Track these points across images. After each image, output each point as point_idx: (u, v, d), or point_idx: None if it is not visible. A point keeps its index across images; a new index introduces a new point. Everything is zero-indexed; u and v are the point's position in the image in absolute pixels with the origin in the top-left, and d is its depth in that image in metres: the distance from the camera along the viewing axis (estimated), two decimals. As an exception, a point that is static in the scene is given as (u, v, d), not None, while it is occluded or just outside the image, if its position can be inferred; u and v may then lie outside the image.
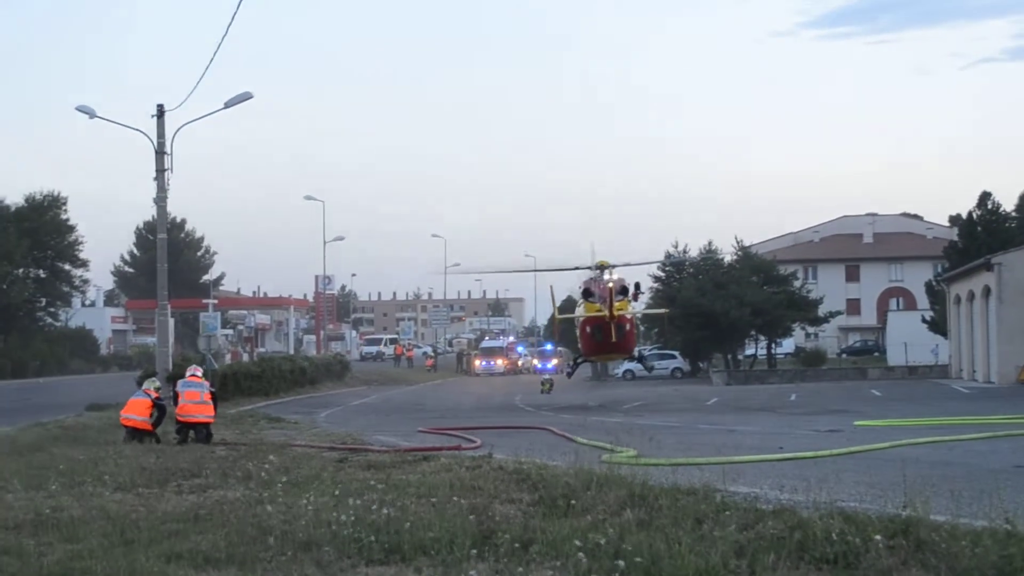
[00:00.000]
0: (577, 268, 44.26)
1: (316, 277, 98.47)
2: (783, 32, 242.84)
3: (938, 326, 66.42)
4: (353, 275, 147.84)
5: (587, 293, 40.99)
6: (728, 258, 77.18)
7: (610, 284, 38.91)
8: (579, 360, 41.97)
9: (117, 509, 12.81)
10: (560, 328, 52.28)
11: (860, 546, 9.00)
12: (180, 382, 24.94)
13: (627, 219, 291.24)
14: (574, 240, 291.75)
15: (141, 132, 38.59)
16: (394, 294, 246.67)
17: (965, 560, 8.50)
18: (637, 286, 44.38)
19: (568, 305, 68.51)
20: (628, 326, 41.18)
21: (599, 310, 39.71)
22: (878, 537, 9.17)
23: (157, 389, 24.89)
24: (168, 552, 9.97)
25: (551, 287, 48.04)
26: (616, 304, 39.03)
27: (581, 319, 41.65)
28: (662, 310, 59.98)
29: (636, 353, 41.71)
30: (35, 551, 10.22)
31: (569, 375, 40.89)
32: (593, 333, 40.38)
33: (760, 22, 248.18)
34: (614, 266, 41.39)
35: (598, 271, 41.39)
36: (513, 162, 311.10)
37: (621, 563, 8.65)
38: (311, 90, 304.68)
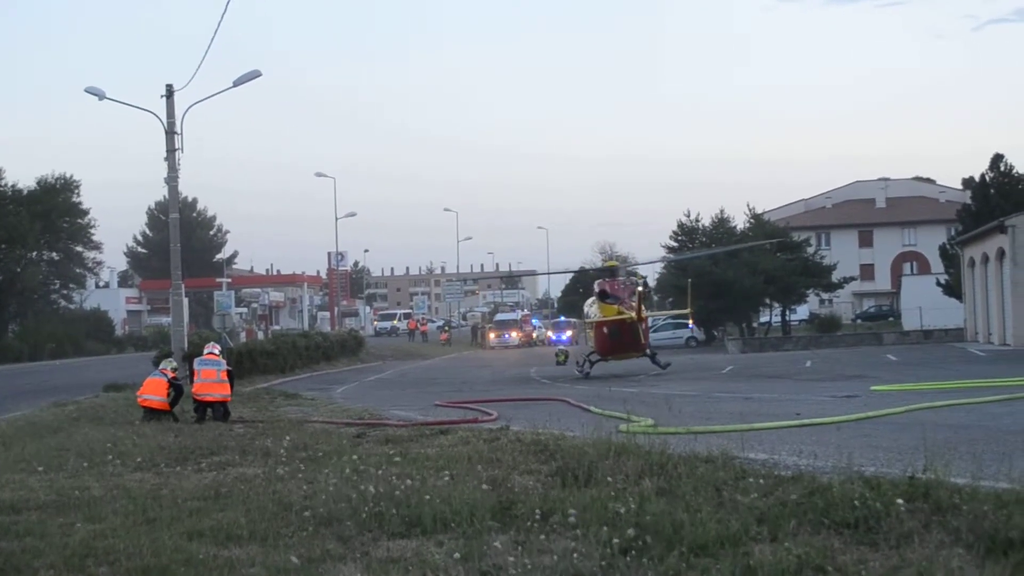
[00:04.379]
0: (584, 269, 44.76)
1: (329, 254, 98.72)
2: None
3: (953, 290, 66.23)
4: (366, 251, 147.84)
5: (603, 295, 41.24)
6: (740, 226, 77.05)
7: (639, 287, 39.74)
8: (594, 359, 41.83)
9: (138, 488, 12.86)
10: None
11: (881, 510, 8.99)
12: (196, 360, 24.92)
13: (637, 186, 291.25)
14: (585, 209, 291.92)
15: (151, 113, 38.60)
16: (407, 269, 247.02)
17: (987, 522, 8.47)
18: (645, 284, 45.62)
19: (573, 285, 68.67)
20: (644, 325, 41.61)
21: (619, 311, 40.01)
22: (899, 501, 9.19)
23: (174, 369, 24.87)
24: (190, 530, 10.01)
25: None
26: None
27: (598, 320, 41.77)
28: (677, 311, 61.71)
29: (648, 351, 42.02)
30: (58, 531, 10.26)
31: (587, 375, 40.61)
32: (612, 333, 40.57)
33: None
34: (629, 267, 42.26)
35: (608, 273, 42.12)
36: (523, 132, 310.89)
37: (642, 530, 8.67)
38: (318, 66, 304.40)
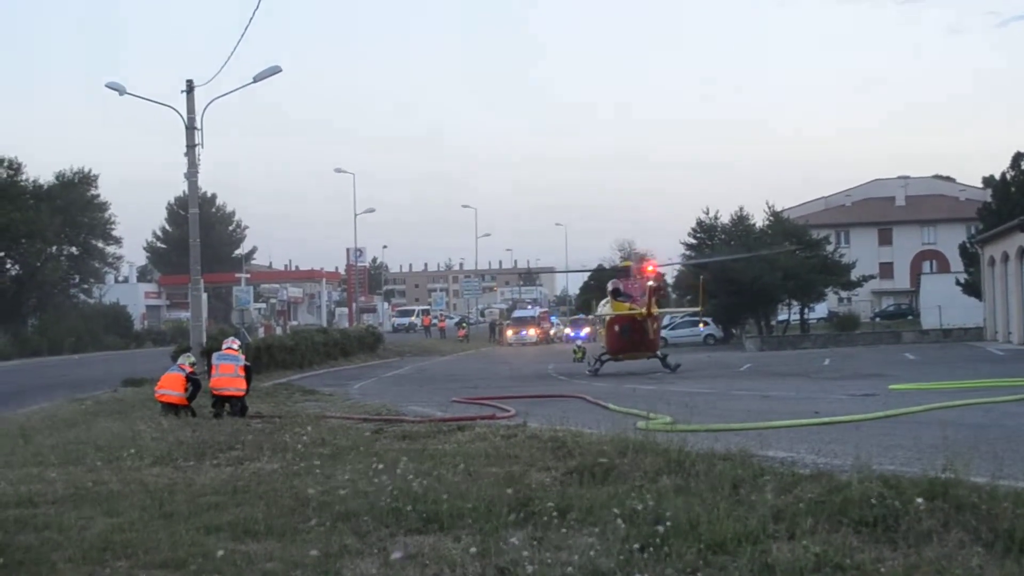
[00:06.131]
0: (601, 267, 44.52)
1: (347, 249, 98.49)
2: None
3: (972, 289, 65.95)
4: (384, 247, 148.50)
5: (616, 292, 41.10)
6: (760, 224, 76.80)
7: (651, 282, 39.50)
8: (605, 358, 41.50)
9: (155, 482, 12.89)
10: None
11: (900, 509, 8.95)
12: (215, 355, 25.04)
13: (657, 183, 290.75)
14: (603, 206, 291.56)
15: (171, 108, 38.66)
16: (425, 265, 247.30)
17: (1007, 521, 8.44)
18: (663, 283, 45.75)
19: (591, 283, 68.52)
20: (656, 325, 41.37)
21: (631, 308, 39.87)
22: (918, 500, 9.13)
23: (192, 364, 24.96)
24: (207, 524, 10.03)
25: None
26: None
27: (609, 317, 41.63)
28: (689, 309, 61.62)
29: (659, 353, 41.62)
30: (76, 525, 10.29)
31: (596, 372, 40.26)
32: (622, 331, 40.34)
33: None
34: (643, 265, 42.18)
35: (623, 272, 41.91)
36: (542, 127, 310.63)
37: (660, 528, 8.66)
38: (338, 62, 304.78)
